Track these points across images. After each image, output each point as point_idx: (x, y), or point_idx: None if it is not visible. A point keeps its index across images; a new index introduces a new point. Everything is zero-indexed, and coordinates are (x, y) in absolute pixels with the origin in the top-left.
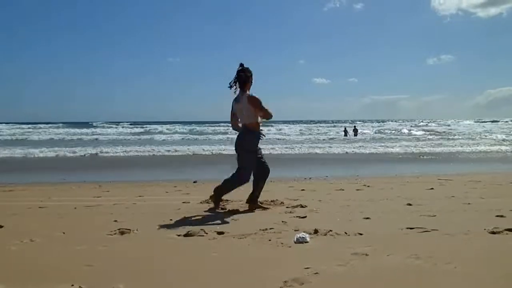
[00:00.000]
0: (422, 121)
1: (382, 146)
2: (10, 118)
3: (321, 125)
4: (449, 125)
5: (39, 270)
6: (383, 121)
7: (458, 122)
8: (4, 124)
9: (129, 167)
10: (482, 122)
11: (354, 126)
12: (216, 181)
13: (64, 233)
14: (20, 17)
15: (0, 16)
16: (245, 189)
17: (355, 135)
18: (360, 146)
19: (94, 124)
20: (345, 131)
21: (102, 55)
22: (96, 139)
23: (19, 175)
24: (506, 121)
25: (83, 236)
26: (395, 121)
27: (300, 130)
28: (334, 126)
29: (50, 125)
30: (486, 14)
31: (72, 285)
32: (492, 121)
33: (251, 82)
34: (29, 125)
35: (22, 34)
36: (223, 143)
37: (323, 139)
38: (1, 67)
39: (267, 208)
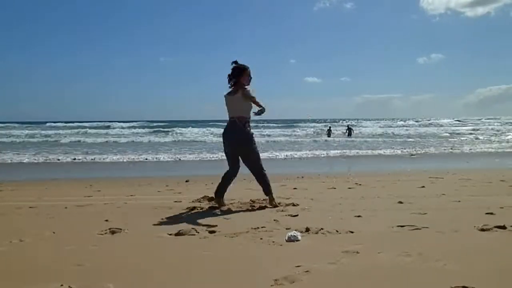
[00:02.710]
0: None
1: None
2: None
3: (311, 124)
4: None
5: (28, 270)
6: (378, 120)
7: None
8: None
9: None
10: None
11: (348, 126)
12: (209, 179)
13: (54, 232)
14: (13, 16)
15: None
16: (238, 188)
17: (349, 135)
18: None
19: (48, 124)
20: (329, 131)
21: (94, 53)
22: None
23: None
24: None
25: (73, 235)
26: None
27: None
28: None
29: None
30: (474, 13)
31: (62, 285)
32: (460, 122)
33: (248, 76)
34: None
35: (14, 33)
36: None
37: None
38: None
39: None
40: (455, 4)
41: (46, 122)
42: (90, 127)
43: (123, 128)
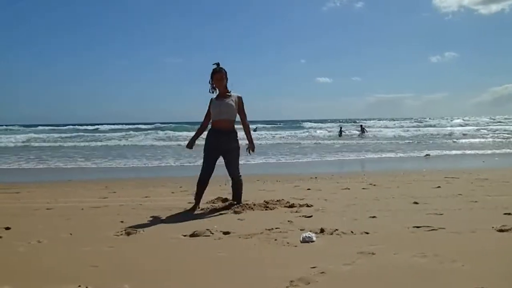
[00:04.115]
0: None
1: None
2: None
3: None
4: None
5: (46, 271)
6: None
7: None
8: None
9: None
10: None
11: (361, 125)
12: (223, 181)
13: (71, 234)
14: (12, 16)
15: None
16: (251, 189)
17: (362, 133)
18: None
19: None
20: (340, 131)
21: (96, 54)
22: None
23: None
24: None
25: (89, 237)
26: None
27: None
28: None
29: None
30: (488, 11)
31: (79, 286)
32: (473, 121)
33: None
34: None
35: (12, 33)
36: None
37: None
38: None
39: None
40: (468, 2)
41: (38, 125)
42: (91, 130)
43: (129, 130)
